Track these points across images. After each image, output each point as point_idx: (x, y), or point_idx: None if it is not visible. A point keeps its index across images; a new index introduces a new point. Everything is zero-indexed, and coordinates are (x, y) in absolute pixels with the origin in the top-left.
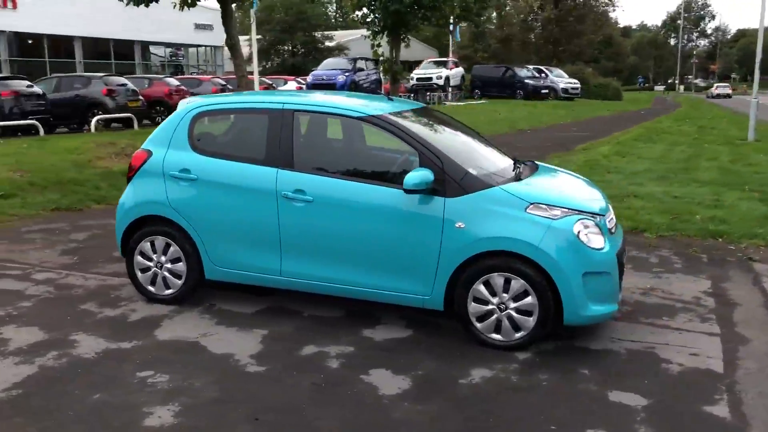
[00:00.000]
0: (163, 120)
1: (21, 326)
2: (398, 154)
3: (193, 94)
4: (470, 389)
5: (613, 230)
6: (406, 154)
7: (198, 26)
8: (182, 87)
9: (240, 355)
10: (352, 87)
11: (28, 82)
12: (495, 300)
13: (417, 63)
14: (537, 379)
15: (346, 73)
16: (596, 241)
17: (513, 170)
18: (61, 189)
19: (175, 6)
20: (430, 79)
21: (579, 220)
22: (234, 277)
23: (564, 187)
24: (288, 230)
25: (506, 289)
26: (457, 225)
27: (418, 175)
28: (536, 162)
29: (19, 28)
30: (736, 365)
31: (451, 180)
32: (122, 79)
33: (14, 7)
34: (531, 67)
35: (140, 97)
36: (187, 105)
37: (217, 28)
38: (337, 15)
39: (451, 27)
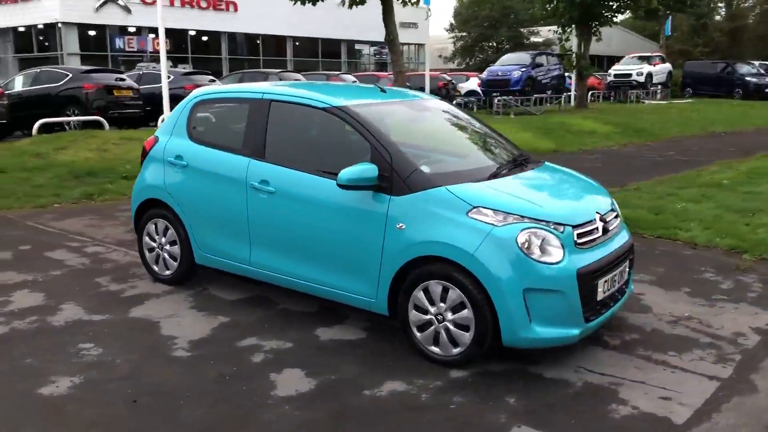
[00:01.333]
0: None
1: (32, 292)
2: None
3: None
4: (368, 401)
5: (589, 244)
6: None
7: (403, 24)
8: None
9: (181, 340)
10: (529, 83)
11: (119, 75)
12: (433, 309)
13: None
14: (447, 401)
15: (522, 69)
16: (549, 254)
17: (495, 169)
18: None
19: (343, 4)
20: (629, 75)
21: (527, 228)
22: (216, 263)
23: (534, 191)
24: (255, 220)
25: (444, 299)
26: (398, 226)
27: (355, 170)
28: (545, 162)
29: (239, 29)
30: (709, 417)
31: (397, 177)
32: (298, 75)
33: (235, 10)
34: (757, 63)
35: None
36: (191, 94)
37: (421, 27)
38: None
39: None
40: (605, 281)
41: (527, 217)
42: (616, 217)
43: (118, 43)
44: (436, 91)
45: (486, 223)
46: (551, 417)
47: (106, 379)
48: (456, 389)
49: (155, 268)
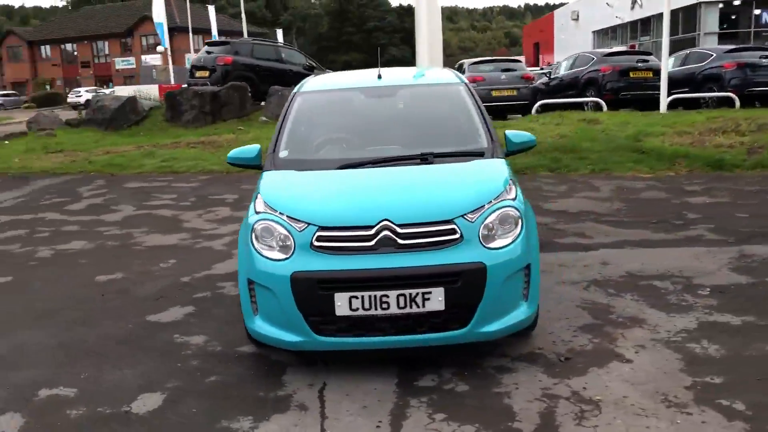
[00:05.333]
0: None
1: (149, 233)
2: None
3: None
4: None
5: (341, 250)
6: None
7: None
8: None
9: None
10: None
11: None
12: None
13: None
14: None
15: None
16: (273, 249)
17: (357, 162)
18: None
19: None
20: None
21: (263, 220)
22: None
23: (343, 185)
24: None
25: None
26: None
27: (239, 149)
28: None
29: None
30: None
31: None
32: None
33: None
34: None
35: None
36: None
37: None
38: None
39: None
40: (358, 298)
41: (278, 210)
42: (439, 233)
43: (766, 17)
44: None
45: (253, 209)
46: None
47: (71, 322)
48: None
49: None
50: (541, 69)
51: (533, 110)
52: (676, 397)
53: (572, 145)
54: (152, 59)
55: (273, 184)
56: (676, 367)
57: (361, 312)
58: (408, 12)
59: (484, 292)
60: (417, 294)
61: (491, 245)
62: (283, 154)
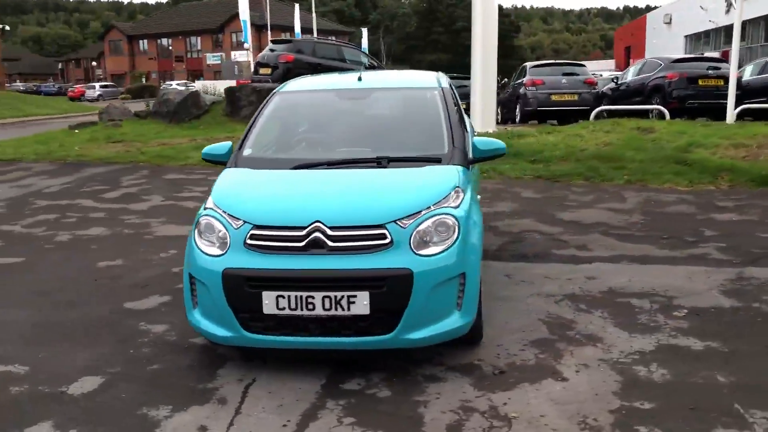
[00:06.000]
0: None
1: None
2: None
3: None
4: None
5: (274, 250)
6: None
7: None
8: None
9: None
10: None
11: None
12: None
13: None
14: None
15: None
16: (212, 245)
17: (309, 162)
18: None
19: None
20: None
21: (206, 216)
22: None
23: (289, 186)
24: None
25: None
26: None
27: (212, 146)
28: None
29: None
30: None
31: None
32: None
33: None
34: None
35: None
36: None
37: None
38: None
39: None
40: (284, 297)
41: (221, 208)
42: (368, 237)
43: None
44: None
45: (203, 205)
46: None
47: (57, 305)
48: None
49: None
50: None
51: (591, 116)
52: (595, 420)
53: (615, 154)
54: (240, 55)
55: (225, 181)
56: (611, 389)
57: (287, 311)
58: (499, 13)
59: (410, 299)
60: (342, 297)
61: (422, 252)
62: (246, 152)
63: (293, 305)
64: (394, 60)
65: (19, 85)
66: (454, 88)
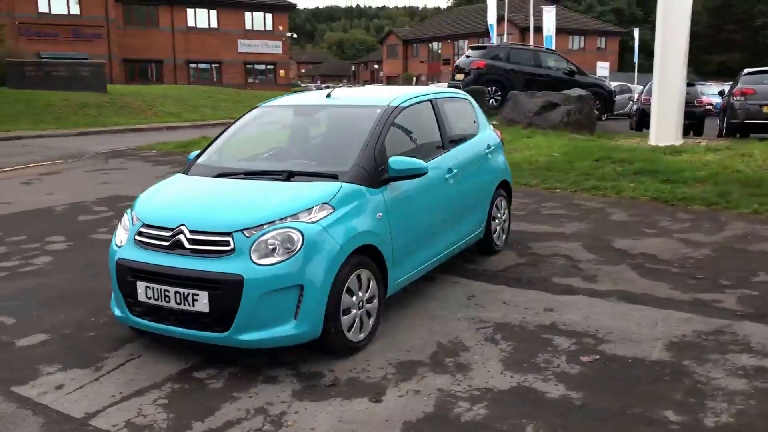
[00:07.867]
0: None
1: None
2: None
3: None
4: None
5: (150, 246)
6: None
7: None
8: None
9: None
10: None
11: None
12: None
13: None
14: None
15: None
16: (119, 236)
17: (234, 171)
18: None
19: None
20: None
21: (126, 213)
22: None
23: (195, 192)
24: None
25: None
26: None
27: (192, 153)
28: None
29: None
30: None
31: None
32: None
33: None
34: None
35: None
36: None
37: None
38: None
39: None
40: (150, 288)
41: (134, 208)
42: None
43: None
44: None
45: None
46: None
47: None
48: None
49: None
50: None
51: None
52: None
53: (766, 179)
54: None
55: (156, 185)
56: (410, 418)
57: (152, 301)
58: None
59: (240, 303)
60: (188, 294)
61: (261, 261)
62: (202, 159)
63: (156, 296)
64: None
65: (311, 85)
66: (440, 105)
